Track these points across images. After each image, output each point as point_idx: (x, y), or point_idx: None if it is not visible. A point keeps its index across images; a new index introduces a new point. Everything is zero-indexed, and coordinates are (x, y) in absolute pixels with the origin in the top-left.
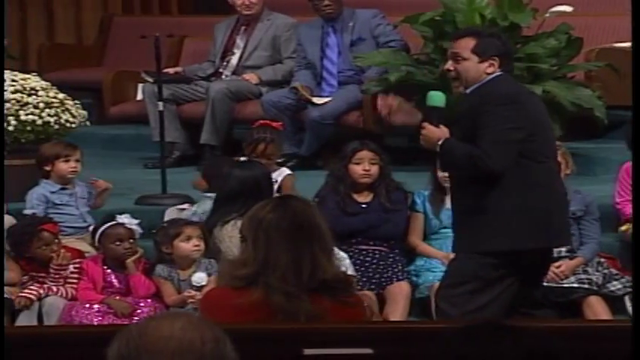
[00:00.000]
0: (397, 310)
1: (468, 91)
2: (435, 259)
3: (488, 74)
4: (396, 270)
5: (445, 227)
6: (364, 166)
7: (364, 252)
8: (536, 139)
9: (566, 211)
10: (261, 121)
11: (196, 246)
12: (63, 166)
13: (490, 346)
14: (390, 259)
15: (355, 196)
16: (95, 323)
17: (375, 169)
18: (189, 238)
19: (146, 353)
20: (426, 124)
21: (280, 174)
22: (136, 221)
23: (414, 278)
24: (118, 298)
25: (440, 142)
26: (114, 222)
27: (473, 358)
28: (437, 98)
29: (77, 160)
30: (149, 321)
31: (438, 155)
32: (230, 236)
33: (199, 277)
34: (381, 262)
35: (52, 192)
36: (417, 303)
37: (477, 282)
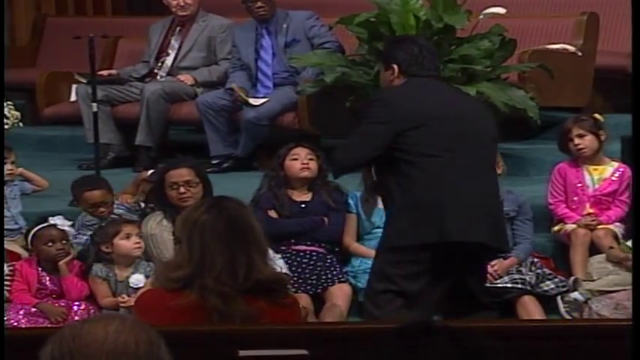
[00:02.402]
0: (336, 312)
1: None
2: (370, 259)
3: (391, 82)
4: (335, 272)
5: (378, 227)
6: (302, 160)
7: (301, 253)
8: (417, 134)
9: (465, 206)
10: None
11: (137, 243)
12: None
13: (423, 347)
14: (328, 261)
15: (294, 197)
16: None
17: (313, 164)
18: (129, 236)
19: (79, 356)
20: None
21: None
22: (69, 222)
23: (352, 280)
24: (51, 302)
25: None
26: (46, 223)
27: (407, 359)
28: None
29: (12, 163)
30: (83, 323)
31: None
32: (152, 234)
33: (137, 279)
34: (319, 264)
35: None
36: (355, 305)
37: (396, 283)
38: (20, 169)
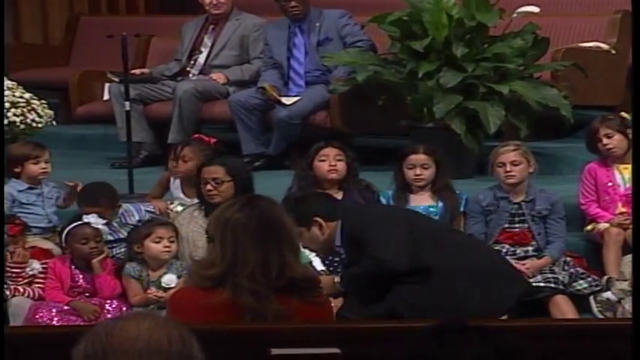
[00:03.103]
0: None
1: (338, 247)
2: None
3: (323, 234)
4: None
5: None
6: (330, 162)
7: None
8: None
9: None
10: (196, 135)
11: (167, 247)
12: (33, 168)
13: (456, 346)
14: None
15: None
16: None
17: (341, 166)
18: (160, 239)
19: (113, 354)
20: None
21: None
22: (103, 221)
23: None
24: (83, 300)
25: (338, 280)
26: (80, 222)
27: (439, 358)
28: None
29: (46, 161)
30: (116, 321)
31: (346, 290)
32: (181, 224)
33: (169, 279)
34: None
35: (20, 191)
36: None
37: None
38: (77, 183)
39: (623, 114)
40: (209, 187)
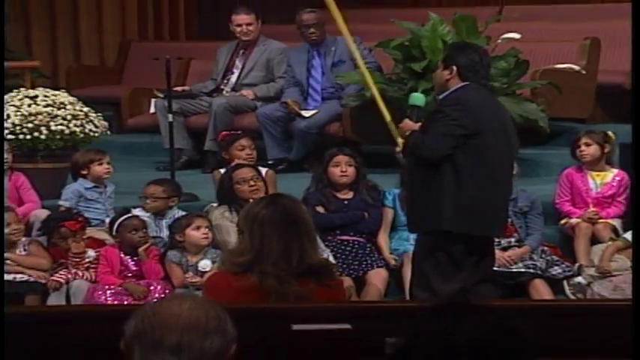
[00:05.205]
0: (375, 292)
1: (440, 97)
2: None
3: (447, 81)
4: (373, 258)
5: None
6: (342, 167)
7: (345, 242)
8: (478, 141)
9: (497, 211)
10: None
11: (205, 234)
12: (98, 168)
13: (456, 323)
14: (368, 249)
15: (338, 195)
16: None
17: (351, 170)
18: (199, 228)
19: (159, 328)
20: (405, 120)
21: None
22: (148, 214)
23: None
24: (134, 282)
25: (407, 134)
26: (130, 214)
27: (441, 334)
28: (417, 98)
29: (108, 162)
30: (161, 301)
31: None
32: (216, 224)
33: (205, 264)
34: (360, 252)
35: (87, 188)
36: (390, 286)
37: (443, 264)
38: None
39: (610, 133)
40: (252, 182)
